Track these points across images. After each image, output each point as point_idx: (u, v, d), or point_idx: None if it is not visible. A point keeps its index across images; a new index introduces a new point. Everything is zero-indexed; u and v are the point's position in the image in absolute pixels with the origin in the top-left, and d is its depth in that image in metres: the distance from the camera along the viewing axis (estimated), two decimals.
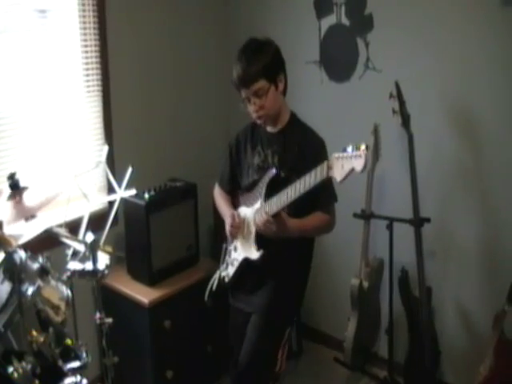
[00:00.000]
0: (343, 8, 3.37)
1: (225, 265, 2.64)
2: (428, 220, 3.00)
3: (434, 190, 3.16)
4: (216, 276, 2.68)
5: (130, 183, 2.52)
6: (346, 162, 1.99)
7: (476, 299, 3.15)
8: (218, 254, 3.66)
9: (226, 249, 2.67)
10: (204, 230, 3.67)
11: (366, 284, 3.21)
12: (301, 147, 2.42)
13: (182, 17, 3.63)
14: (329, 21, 3.44)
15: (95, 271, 2.32)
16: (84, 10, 3.07)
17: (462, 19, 2.94)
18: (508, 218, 2.98)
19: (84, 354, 2.20)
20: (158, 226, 3.08)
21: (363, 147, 1.95)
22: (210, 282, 2.68)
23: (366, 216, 3.19)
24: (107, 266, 2.37)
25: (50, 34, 2.97)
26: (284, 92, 2.47)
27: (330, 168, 2.04)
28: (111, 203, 2.64)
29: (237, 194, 2.66)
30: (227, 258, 2.64)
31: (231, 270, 2.59)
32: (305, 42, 3.52)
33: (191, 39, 3.70)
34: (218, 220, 3.67)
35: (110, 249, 2.44)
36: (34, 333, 2.04)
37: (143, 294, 3.02)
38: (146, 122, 3.49)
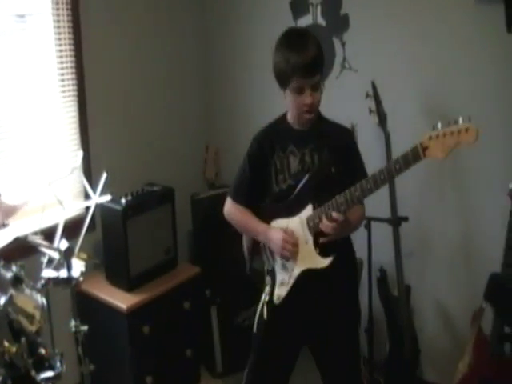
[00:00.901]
0: (319, 8, 3.38)
1: (270, 288, 2.37)
2: (406, 219, 3.01)
3: (411, 189, 3.16)
4: (262, 302, 2.38)
5: (106, 188, 2.50)
6: (449, 138, 1.90)
7: (454, 297, 3.18)
8: (196, 258, 3.67)
9: (268, 270, 2.39)
10: (182, 234, 3.65)
11: None
12: (337, 141, 2.30)
13: (159, 21, 3.62)
14: (305, 21, 3.43)
15: (70, 279, 2.30)
16: (58, 15, 3.04)
17: (437, 18, 2.96)
18: (484, 216, 3.00)
19: (58, 364, 2.18)
20: (135, 230, 3.06)
21: (461, 120, 1.88)
22: (258, 311, 2.39)
23: None
24: (82, 273, 2.36)
25: (27, 39, 2.95)
26: None
27: (425, 148, 1.95)
28: (89, 209, 2.62)
29: (262, 206, 2.41)
30: (269, 278, 2.37)
31: (284, 290, 2.33)
32: None
33: (168, 43, 3.69)
34: (199, 224, 3.69)
35: (84, 255, 2.43)
36: (6, 343, 2.02)
37: (121, 300, 3.00)
38: (123, 127, 3.46)
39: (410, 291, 3.14)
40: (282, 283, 2.34)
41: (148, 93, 3.61)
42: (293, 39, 2.24)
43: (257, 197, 2.40)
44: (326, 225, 2.14)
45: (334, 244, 2.20)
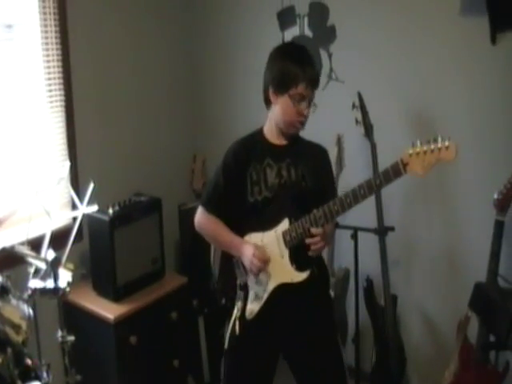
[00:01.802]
0: (306, 19, 3.40)
1: (242, 303, 2.33)
2: (392, 229, 3.03)
3: (397, 199, 3.19)
4: (234, 317, 2.33)
5: (93, 199, 2.49)
6: (429, 156, 1.94)
7: (440, 306, 3.20)
8: (184, 269, 3.67)
9: (241, 285, 2.35)
10: (169, 244, 3.65)
11: (332, 294, 3.22)
12: (314, 158, 2.33)
13: (147, 30, 3.63)
14: (292, 32, 3.46)
15: (56, 289, 2.29)
16: (46, 25, 3.04)
17: (422, 30, 3.00)
18: (470, 225, 3.03)
19: (45, 374, 2.17)
20: (122, 241, 3.05)
21: (440, 138, 1.93)
22: (229, 328, 2.34)
23: None
24: (69, 284, 2.35)
25: (15, 49, 2.95)
26: None
27: (405, 165, 1.97)
28: (76, 219, 2.61)
29: (237, 219, 2.36)
30: (242, 293, 2.33)
31: (257, 305, 2.30)
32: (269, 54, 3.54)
33: (155, 53, 3.70)
34: (186, 235, 3.68)
35: (71, 266, 2.42)
36: None
37: (108, 310, 2.99)
38: (110, 137, 3.46)
39: (396, 301, 3.16)
40: (256, 298, 2.31)
41: (135, 103, 3.61)
42: (300, 51, 2.29)
43: (230, 208, 2.35)
44: (314, 241, 2.14)
45: (308, 258, 2.20)
